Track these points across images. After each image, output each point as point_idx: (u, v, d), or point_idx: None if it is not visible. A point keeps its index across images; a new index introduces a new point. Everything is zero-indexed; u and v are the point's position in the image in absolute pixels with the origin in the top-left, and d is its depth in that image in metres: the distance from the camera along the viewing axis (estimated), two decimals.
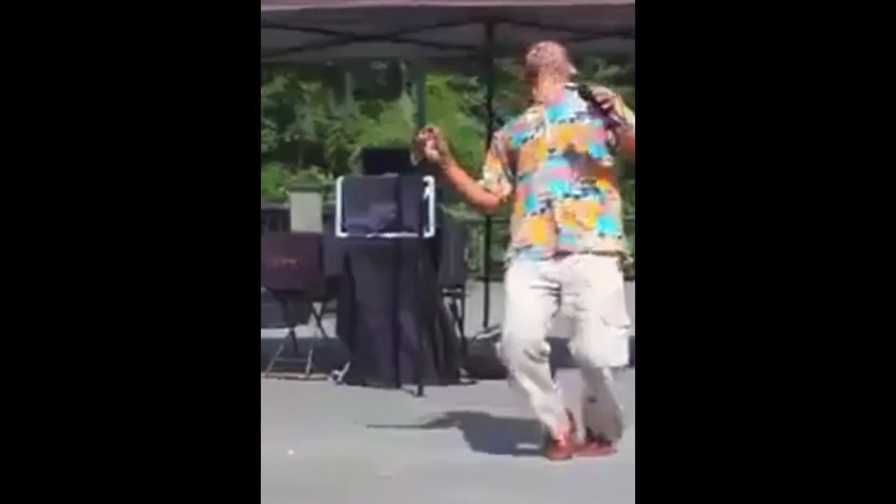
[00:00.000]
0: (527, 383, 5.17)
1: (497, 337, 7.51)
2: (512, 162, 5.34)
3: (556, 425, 5.23)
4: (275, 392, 6.57)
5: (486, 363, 7.47)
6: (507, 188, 5.36)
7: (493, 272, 9.67)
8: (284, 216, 11.04)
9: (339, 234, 7.71)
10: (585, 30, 8.50)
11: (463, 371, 7.57)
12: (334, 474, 4.94)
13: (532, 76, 5.36)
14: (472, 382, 7.47)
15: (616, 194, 5.24)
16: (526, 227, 5.25)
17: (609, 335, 5.04)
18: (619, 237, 5.20)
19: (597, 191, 5.18)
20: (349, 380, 7.48)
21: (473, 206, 5.71)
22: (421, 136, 5.38)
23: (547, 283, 5.17)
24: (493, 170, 5.39)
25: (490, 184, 5.38)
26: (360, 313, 7.60)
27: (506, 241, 5.50)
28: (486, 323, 8.53)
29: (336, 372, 7.48)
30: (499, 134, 5.47)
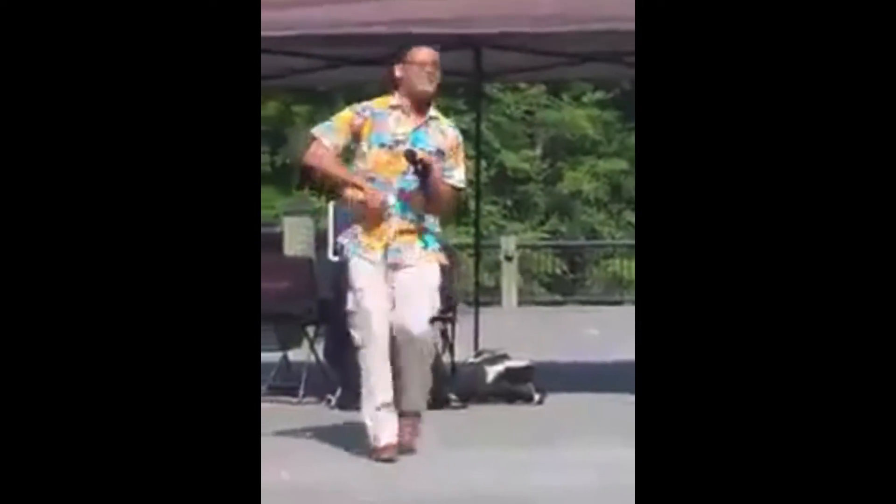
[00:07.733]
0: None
1: (487, 361, 7.60)
2: (356, 138, 5.86)
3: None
4: (268, 416, 6.58)
5: (476, 387, 7.53)
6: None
7: (483, 296, 9.71)
8: (277, 239, 11.05)
9: (331, 257, 7.74)
10: (572, 55, 8.57)
11: (452, 395, 7.60)
12: (327, 499, 4.98)
13: (396, 86, 5.95)
14: (462, 406, 7.51)
15: (437, 220, 5.88)
16: (366, 223, 5.76)
17: (426, 313, 5.75)
18: (439, 249, 5.88)
19: (423, 218, 5.79)
20: (342, 404, 7.50)
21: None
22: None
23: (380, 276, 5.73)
24: (343, 138, 5.91)
25: (337, 148, 5.90)
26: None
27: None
28: (476, 347, 8.57)
29: (329, 396, 7.50)
30: (364, 113, 5.96)
